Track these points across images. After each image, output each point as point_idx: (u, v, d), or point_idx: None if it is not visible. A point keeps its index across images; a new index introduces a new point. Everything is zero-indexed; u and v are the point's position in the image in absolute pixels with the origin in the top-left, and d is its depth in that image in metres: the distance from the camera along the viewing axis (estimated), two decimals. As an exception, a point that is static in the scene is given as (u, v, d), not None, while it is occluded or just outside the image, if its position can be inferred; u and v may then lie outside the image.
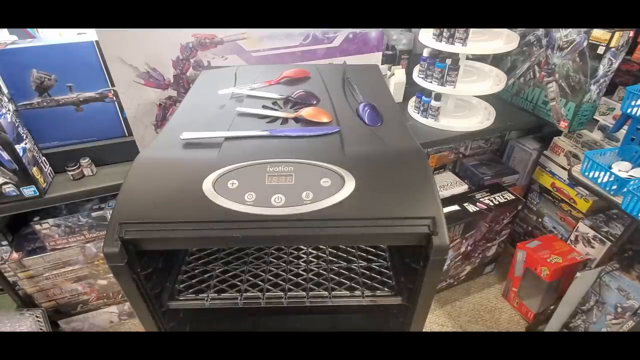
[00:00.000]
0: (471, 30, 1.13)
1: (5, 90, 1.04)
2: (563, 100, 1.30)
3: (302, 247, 0.76)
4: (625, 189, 0.96)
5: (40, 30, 1.25)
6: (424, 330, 0.62)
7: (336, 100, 0.73)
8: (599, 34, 1.13)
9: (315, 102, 0.73)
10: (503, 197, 1.49)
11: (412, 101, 1.45)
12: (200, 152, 0.57)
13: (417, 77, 1.34)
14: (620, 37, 1.11)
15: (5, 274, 1.24)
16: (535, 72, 1.37)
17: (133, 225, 0.48)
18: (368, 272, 0.69)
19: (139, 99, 1.11)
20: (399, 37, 1.54)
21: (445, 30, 1.17)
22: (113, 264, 0.48)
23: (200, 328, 0.79)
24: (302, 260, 0.74)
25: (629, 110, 1.03)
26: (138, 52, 1.03)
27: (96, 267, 1.33)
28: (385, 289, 0.65)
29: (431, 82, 1.27)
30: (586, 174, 1.09)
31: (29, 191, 1.03)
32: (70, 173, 1.12)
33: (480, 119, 1.37)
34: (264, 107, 0.71)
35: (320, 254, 0.75)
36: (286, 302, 0.64)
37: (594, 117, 1.33)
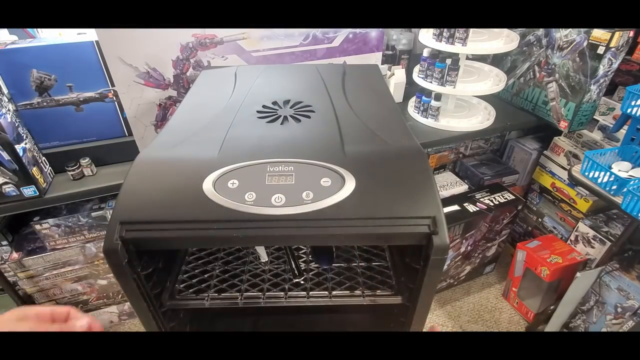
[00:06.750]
0: (471, 30, 1.13)
1: (5, 90, 1.04)
2: (563, 100, 1.30)
3: (302, 247, 0.76)
4: (625, 189, 0.96)
5: (40, 30, 1.25)
6: (424, 330, 0.62)
7: (336, 100, 0.73)
8: (599, 34, 1.13)
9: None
10: (503, 197, 1.49)
11: (412, 101, 1.45)
12: (201, 152, 0.57)
13: (417, 77, 1.34)
14: (620, 37, 1.11)
15: (5, 274, 1.24)
16: (535, 72, 1.37)
17: (133, 225, 0.48)
18: (368, 272, 0.69)
19: (139, 99, 1.11)
20: (399, 37, 1.54)
21: (445, 30, 1.17)
22: (113, 263, 0.48)
23: (200, 328, 0.79)
24: (302, 260, 0.74)
25: (629, 110, 1.03)
26: (138, 52, 1.04)
27: (96, 267, 1.34)
28: (386, 289, 0.65)
29: (431, 82, 1.27)
30: (586, 174, 1.09)
31: (29, 191, 1.03)
32: (70, 173, 1.12)
33: (480, 119, 1.37)
34: (264, 107, 0.71)
35: (320, 253, 0.75)
36: (286, 302, 0.64)
37: (594, 117, 1.33)
